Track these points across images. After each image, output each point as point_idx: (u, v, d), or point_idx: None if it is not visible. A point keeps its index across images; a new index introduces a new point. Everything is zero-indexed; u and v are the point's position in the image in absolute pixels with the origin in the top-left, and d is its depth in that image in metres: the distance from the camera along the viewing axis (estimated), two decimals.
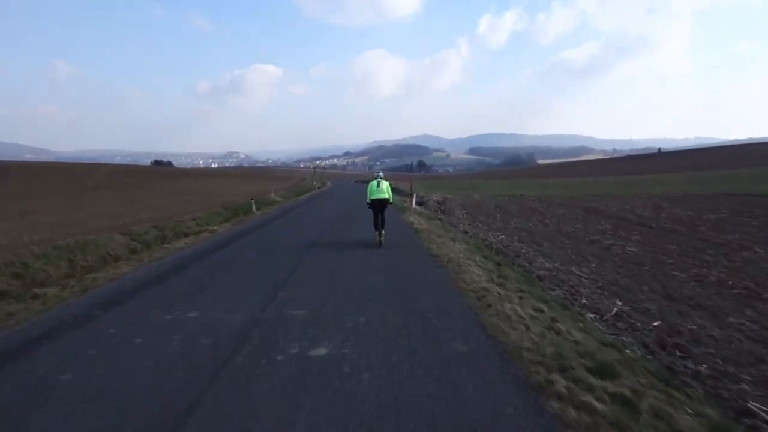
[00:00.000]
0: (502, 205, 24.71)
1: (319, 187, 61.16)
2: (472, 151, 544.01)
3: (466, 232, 14.39)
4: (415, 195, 22.05)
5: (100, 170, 72.58)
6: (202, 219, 17.55)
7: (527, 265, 9.44)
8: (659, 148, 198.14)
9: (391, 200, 11.02)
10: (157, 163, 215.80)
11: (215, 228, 14.79)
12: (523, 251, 11.10)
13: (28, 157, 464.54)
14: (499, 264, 8.63)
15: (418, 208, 20.75)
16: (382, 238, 10.52)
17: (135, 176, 62.86)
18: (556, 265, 9.50)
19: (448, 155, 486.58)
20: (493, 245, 11.77)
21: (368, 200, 10.91)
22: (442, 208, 22.52)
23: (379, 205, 10.70)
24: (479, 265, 7.80)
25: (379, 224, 10.63)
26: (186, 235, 13.97)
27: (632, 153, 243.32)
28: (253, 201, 21.23)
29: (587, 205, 23.47)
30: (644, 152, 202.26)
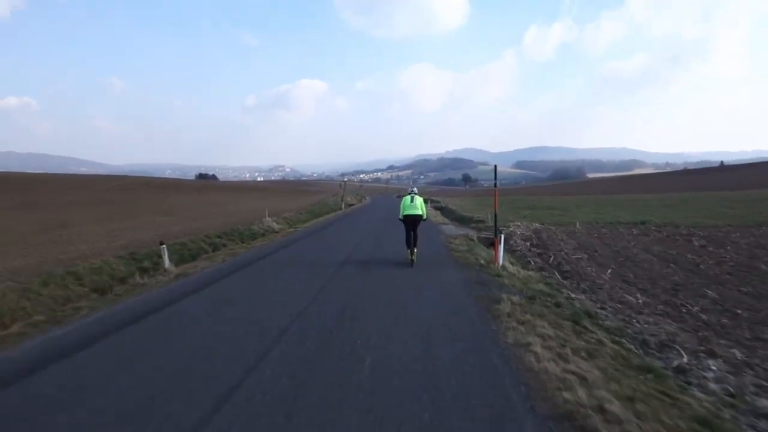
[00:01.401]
0: (657, 251, 13.05)
1: (350, 205, 50.71)
2: (518, 164, 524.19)
3: None
4: (503, 236, 10.64)
5: (113, 182, 65.90)
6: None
7: None
8: (722, 161, 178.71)
9: (425, 217, 10.42)
10: (201, 176, 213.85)
11: None
12: None
13: (83, 170, 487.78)
14: None
15: (511, 267, 9.54)
16: (414, 257, 9.85)
17: (141, 191, 55.39)
18: None
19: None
20: None
21: (400, 216, 10.38)
22: (551, 259, 11.28)
23: (412, 221, 10.10)
24: None
25: (411, 242, 9.96)
26: None
27: (689, 167, 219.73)
28: (164, 247, 10.62)
29: None
30: (702, 166, 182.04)
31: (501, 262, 9.38)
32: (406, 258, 9.97)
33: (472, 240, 14.75)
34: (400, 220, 10.40)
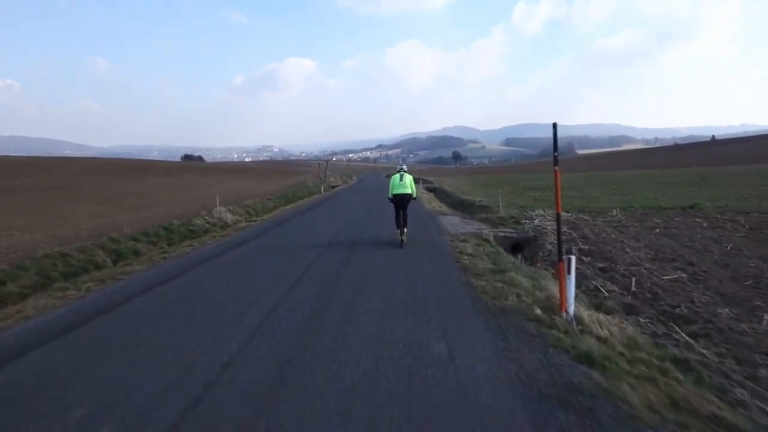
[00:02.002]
0: None
1: (333, 186, 45.74)
2: (508, 142, 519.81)
3: None
4: (573, 261, 5.33)
5: (80, 165, 60.36)
6: None
7: None
8: (713, 136, 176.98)
9: (414, 195, 10.17)
10: (187, 157, 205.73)
11: None
12: None
13: (68, 152, 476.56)
14: None
15: (587, 316, 5.02)
16: (404, 237, 9.75)
17: (107, 174, 50.32)
18: None
19: (483, 146, 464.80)
20: None
21: (390, 195, 10.10)
22: (631, 284, 6.77)
23: (402, 201, 9.88)
24: None
25: (401, 222, 9.83)
26: None
27: (678, 142, 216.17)
28: None
29: None
30: (691, 140, 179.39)
31: (572, 309, 4.87)
32: (396, 238, 9.80)
33: (487, 242, 10.22)
34: (389, 199, 10.09)
